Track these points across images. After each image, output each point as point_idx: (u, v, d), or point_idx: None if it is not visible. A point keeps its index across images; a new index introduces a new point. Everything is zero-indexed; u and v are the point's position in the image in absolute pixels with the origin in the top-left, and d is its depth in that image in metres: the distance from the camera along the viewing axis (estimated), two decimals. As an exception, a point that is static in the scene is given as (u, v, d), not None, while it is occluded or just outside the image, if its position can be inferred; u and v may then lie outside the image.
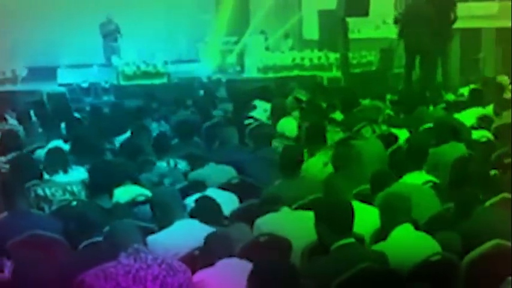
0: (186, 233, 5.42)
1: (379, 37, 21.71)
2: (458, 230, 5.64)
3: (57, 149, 8.06)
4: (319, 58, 20.13)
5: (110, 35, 19.56)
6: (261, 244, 5.50)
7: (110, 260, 4.64)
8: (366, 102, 11.90)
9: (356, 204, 5.92)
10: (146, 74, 18.53)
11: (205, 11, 22.08)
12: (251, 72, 19.85)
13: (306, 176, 7.22)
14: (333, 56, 20.05)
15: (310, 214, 5.83)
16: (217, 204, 5.98)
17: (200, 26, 21.74)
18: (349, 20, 18.25)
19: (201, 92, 15.20)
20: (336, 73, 19.35)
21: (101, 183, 6.35)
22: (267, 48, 21.34)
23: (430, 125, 9.30)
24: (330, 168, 7.61)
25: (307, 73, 19.65)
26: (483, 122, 10.35)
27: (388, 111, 11.03)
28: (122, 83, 18.42)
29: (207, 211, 5.84)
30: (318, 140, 8.13)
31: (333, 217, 5.01)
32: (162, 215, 5.62)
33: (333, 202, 5.32)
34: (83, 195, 7.10)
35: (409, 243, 5.29)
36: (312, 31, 22.96)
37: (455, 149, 8.16)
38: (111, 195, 6.35)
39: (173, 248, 5.29)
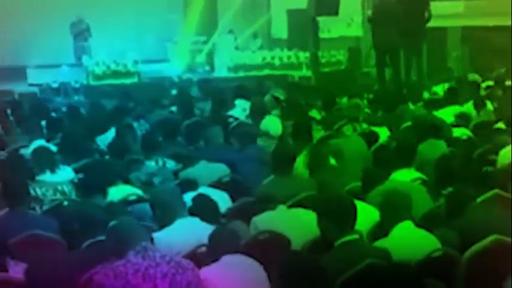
0: (188, 231, 5.43)
1: (347, 36, 21.91)
2: (453, 226, 5.70)
3: (44, 149, 8.02)
4: (289, 57, 20.18)
5: (81, 34, 19.44)
6: (261, 242, 5.53)
7: (117, 258, 4.65)
8: (343, 100, 12.00)
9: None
10: (116, 74, 18.46)
11: (173, 10, 22.00)
12: (221, 71, 19.91)
13: (297, 174, 7.23)
14: (303, 55, 20.16)
15: (306, 212, 5.92)
16: (214, 203, 6.00)
17: (169, 26, 21.67)
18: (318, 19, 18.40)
19: (174, 92, 15.14)
20: (306, 72, 19.40)
21: (94, 183, 6.32)
22: (236, 48, 21.36)
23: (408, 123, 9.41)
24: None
25: (278, 72, 19.73)
26: (461, 120, 10.47)
27: (366, 109, 11.10)
28: (92, 82, 18.25)
29: (204, 209, 5.84)
30: (304, 138, 8.16)
31: (337, 213, 5.05)
32: (163, 213, 5.60)
33: (336, 198, 5.34)
34: (73, 195, 7.09)
35: (410, 239, 5.35)
36: (280, 30, 23.07)
37: (437, 147, 8.26)
38: (104, 195, 6.32)
39: (176, 246, 5.28)
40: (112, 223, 4.87)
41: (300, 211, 6.09)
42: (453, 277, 5.21)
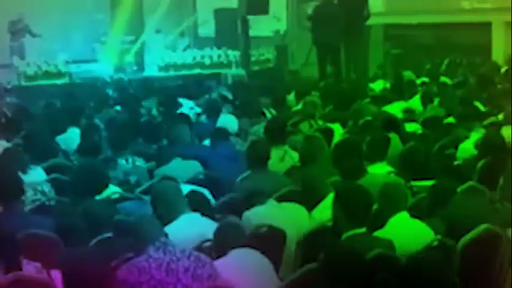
0: (191, 227, 5.51)
1: (274, 34, 22.19)
2: (439, 217, 5.91)
3: (15, 149, 8.00)
4: (219, 56, 20.27)
5: (17, 33, 19.15)
6: (260, 235, 5.64)
7: (134, 254, 4.74)
8: (290, 97, 12.24)
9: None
10: (48, 74, 18.22)
11: (100, 10, 21.83)
12: (152, 70, 19.86)
13: (271, 170, 7.37)
14: (232, 54, 20.28)
15: (295, 206, 6.07)
16: (207, 198, 6.10)
17: (96, 26, 21.51)
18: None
19: (110, 92, 15.11)
20: (236, 71, 19.54)
21: (87, 184, 6.33)
22: (166, 47, 21.39)
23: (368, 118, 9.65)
24: (286, 163, 7.85)
25: (208, 71, 19.80)
26: (409, 115, 10.79)
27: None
28: (23, 83, 18.01)
29: (198, 205, 5.93)
30: (278, 135, 8.29)
31: (353, 204, 5.19)
32: (165, 210, 5.64)
33: (354, 188, 5.46)
34: (52, 194, 7.08)
35: (407, 230, 5.55)
36: (207, 29, 23.20)
37: (394, 141, 8.49)
38: (94, 195, 6.35)
39: (180, 241, 5.33)
40: (130, 219, 4.94)
41: (289, 205, 6.24)
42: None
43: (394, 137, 8.58)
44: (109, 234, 5.21)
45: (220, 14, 21.71)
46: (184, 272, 4.65)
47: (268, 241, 5.64)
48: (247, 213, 6.09)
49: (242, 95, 12.17)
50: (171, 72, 19.66)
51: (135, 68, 20.74)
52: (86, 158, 8.00)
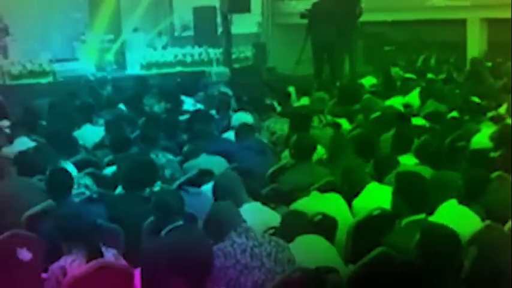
0: (254, 216, 5.74)
1: (252, 32, 22.47)
2: (479, 204, 6.24)
3: (44, 145, 8.18)
4: (200, 54, 20.48)
5: (-1, 33, 19.22)
6: (315, 223, 5.91)
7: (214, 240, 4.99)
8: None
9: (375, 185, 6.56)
10: (32, 73, 18.27)
11: (78, 9, 21.89)
12: (134, 69, 19.99)
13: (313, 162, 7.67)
14: (213, 52, 20.51)
15: (337, 196, 6.36)
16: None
17: (75, 24, 21.58)
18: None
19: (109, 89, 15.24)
20: (217, 68, 19.76)
21: (141, 177, 6.56)
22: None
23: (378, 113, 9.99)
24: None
25: (190, 69, 19.98)
26: (408, 109, 11.15)
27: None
28: (8, 82, 18.05)
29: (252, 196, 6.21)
30: (303, 125, 8.58)
31: (413, 191, 5.50)
32: (229, 200, 5.85)
33: (415, 176, 5.75)
34: (95, 188, 7.28)
35: (456, 216, 5.85)
36: (184, 28, 23.40)
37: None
38: (146, 188, 6.58)
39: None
40: (212, 206, 5.20)
41: (333, 195, 6.53)
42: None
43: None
44: (180, 223, 5.40)
45: (198, 12, 21.88)
46: (267, 257, 4.93)
47: (323, 228, 5.91)
48: (294, 205, 6.36)
49: (239, 92, 12.41)
50: (154, 70, 19.75)
51: (114, 66, 20.78)
52: (118, 153, 8.19)
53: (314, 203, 6.35)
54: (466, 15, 19.21)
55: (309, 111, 10.07)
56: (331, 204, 6.42)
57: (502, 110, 10.28)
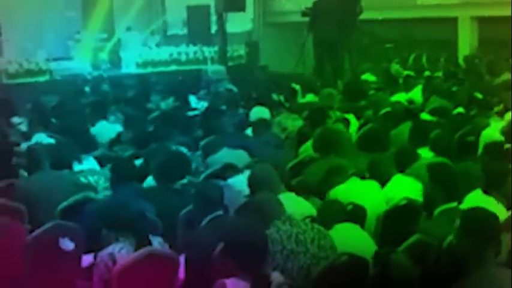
0: (291, 205, 5.91)
1: (246, 31, 22.67)
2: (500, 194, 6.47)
3: (66, 141, 8.36)
4: (195, 53, 20.67)
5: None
6: (347, 213, 6.12)
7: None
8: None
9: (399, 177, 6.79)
10: (29, 72, 18.39)
11: (71, 7, 21.98)
12: (129, 67, 20.14)
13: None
14: (207, 50, 20.70)
15: (373, 183, 6.58)
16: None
17: (68, 23, 21.68)
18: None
19: (106, 87, 15.41)
20: (213, 66, 19.92)
21: (173, 171, 6.75)
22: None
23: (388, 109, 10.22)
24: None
25: (185, 67, 20.16)
26: (412, 106, 11.39)
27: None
28: (6, 81, 18.15)
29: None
30: (319, 120, 8.81)
31: (446, 181, 5.73)
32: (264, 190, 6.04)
33: (447, 167, 5.98)
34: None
35: (483, 204, 6.05)
36: (176, 26, 23.57)
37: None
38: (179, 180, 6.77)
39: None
40: (255, 197, 5.40)
41: (371, 182, 6.77)
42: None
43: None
44: (220, 213, 5.60)
45: (192, 11, 22.07)
46: (311, 243, 5.14)
47: (354, 217, 6.12)
48: (332, 191, 6.60)
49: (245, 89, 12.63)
50: (149, 69, 19.91)
51: (108, 65, 20.91)
52: (141, 148, 8.37)
53: (353, 189, 6.62)
54: (456, 13, 19.49)
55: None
56: (369, 190, 6.68)
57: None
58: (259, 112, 9.70)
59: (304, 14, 16.71)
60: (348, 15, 16.02)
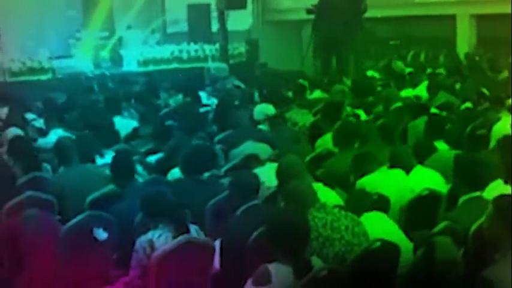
0: (319, 195, 6.06)
1: (246, 29, 22.82)
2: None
3: (87, 136, 8.50)
4: (196, 51, 20.80)
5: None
6: (375, 201, 6.27)
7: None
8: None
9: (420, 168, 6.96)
10: (32, 70, 18.50)
11: (72, 6, 22.09)
12: (131, 65, 20.24)
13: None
14: (208, 48, 20.84)
15: (400, 172, 6.73)
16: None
17: (69, 22, 21.77)
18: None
19: (110, 84, 15.53)
20: (215, 64, 20.06)
21: (201, 164, 6.91)
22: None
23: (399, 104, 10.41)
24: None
25: (186, 65, 20.29)
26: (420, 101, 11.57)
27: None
28: (9, 79, 18.25)
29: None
30: (335, 115, 8.99)
31: (470, 171, 5.91)
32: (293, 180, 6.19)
33: (471, 158, 6.16)
34: (145, 174, 7.61)
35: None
36: (175, 25, 23.70)
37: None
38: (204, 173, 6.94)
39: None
40: (289, 185, 5.56)
41: (398, 171, 6.91)
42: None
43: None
44: (257, 201, 5.77)
45: (192, 10, 22.20)
46: (345, 230, 5.30)
47: (378, 207, 6.28)
48: (360, 181, 6.78)
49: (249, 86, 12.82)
50: (150, 67, 20.04)
51: (109, 63, 21.03)
52: (161, 142, 8.52)
53: (380, 178, 6.80)
54: (454, 11, 19.66)
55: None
56: (395, 179, 6.83)
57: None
58: (264, 109, 9.86)
59: (309, 11, 16.87)
60: (353, 13, 16.18)
